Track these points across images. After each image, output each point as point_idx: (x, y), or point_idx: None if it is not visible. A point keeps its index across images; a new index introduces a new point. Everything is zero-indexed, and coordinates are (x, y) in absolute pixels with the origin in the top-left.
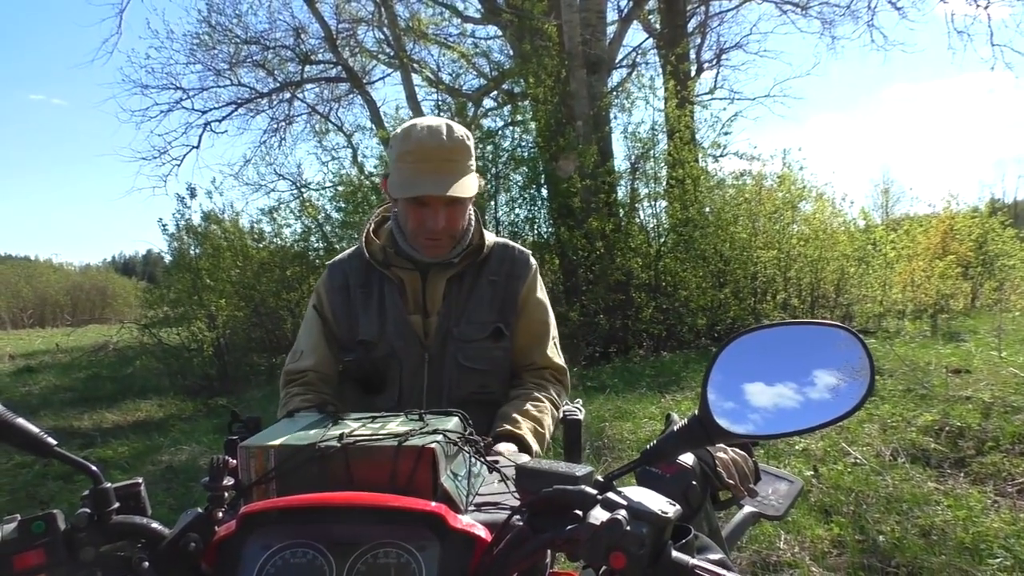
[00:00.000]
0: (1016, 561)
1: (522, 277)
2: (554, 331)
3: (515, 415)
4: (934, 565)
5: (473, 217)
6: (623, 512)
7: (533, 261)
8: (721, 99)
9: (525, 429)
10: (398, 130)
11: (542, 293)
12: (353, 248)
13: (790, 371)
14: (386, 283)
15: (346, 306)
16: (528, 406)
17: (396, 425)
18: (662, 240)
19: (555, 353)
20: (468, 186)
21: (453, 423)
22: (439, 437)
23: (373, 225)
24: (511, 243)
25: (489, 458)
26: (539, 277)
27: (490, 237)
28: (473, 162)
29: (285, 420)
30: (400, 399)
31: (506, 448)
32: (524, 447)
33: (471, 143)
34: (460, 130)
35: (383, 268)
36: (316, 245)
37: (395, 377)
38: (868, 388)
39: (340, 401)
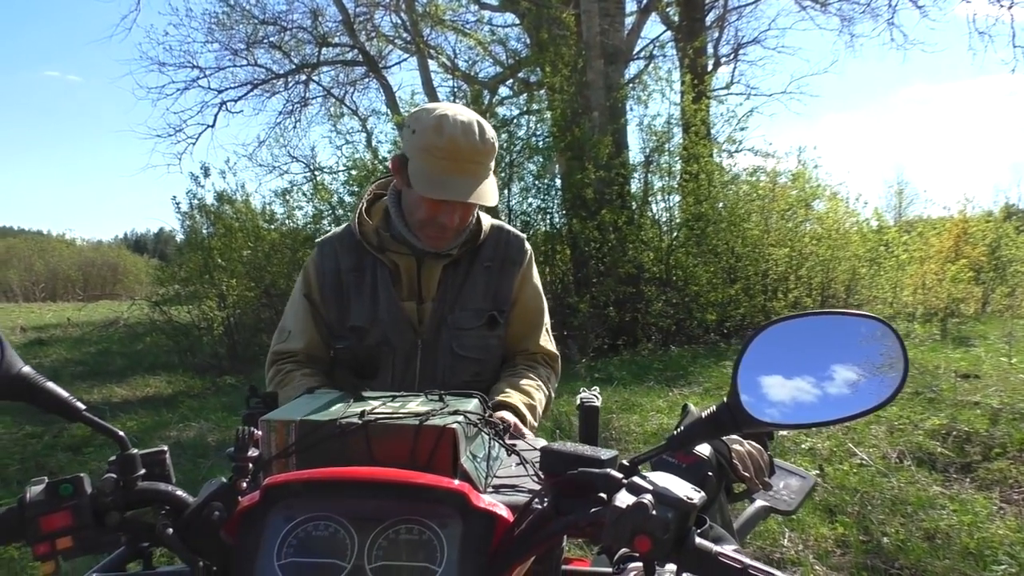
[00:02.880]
0: (1020, 568)
1: (517, 263)
2: (547, 318)
3: (507, 388)
4: (938, 569)
5: None
6: (649, 496)
7: (528, 246)
8: (737, 94)
9: (516, 398)
10: (427, 116)
11: (537, 280)
12: (343, 227)
13: (818, 363)
14: (379, 267)
15: (337, 291)
16: (518, 381)
17: (416, 405)
18: (674, 234)
19: (547, 340)
20: (492, 192)
21: (473, 405)
22: (460, 418)
23: (365, 204)
24: (505, 226)
25: (508, 441)
26: (533, 263)
27: (487, 220)
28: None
29: (305, 396)
30: (392, 387)
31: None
32: (517, 415)
33: (497, 142)
34: (491, 129)
35: (377, 252)
36: (327, 228)
37: (388, 364)
38: (902, 379)
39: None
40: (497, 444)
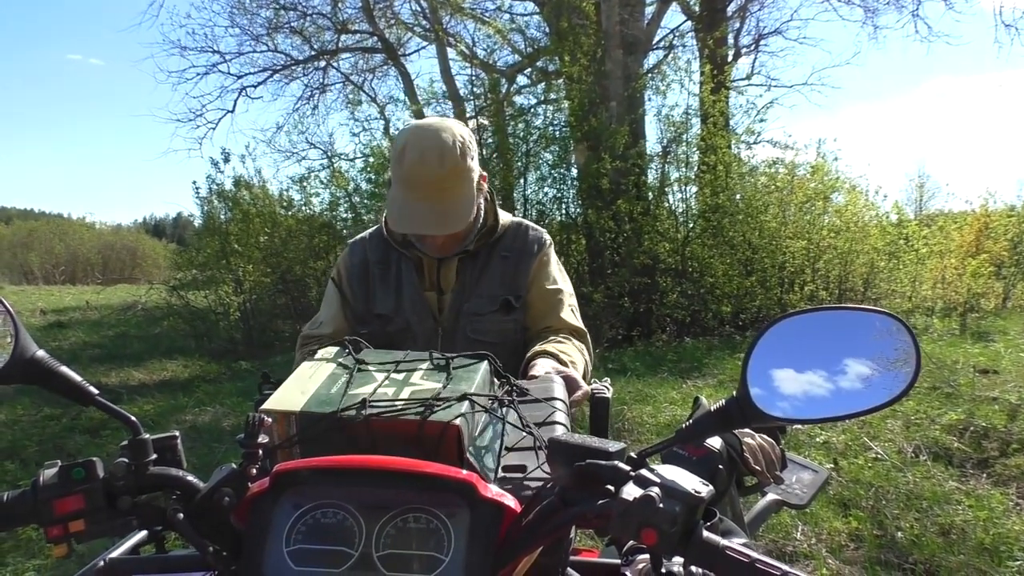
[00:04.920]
0: None
1: (535, 252)
2: (571, 299)
3: (537, 347)
4: (952, 564)
5: (485, 200)
6: (656, 489)
7: (547, 237)
8: (757, 85)
9: (550, 347)
10: (397, 141)
11: (555, 265)
12: (373, 228)
13: (831, 357)
14: (403, 261)
15: (364, 281)
16: (549, 344)
17: (420, 377)
18: (691, 225)
19: (571, 316)
20: (463, 215)
21: (482, 371)
22: (464, 407)
23: None
24: (526, 222)
25: (517, 383)
26: (552, 251)
27: (505, 217)
28: (472, 172)
29: (305, 366)
30: None
31: (544, 366)
32: (560, 362)
33: (469, 155)
34: (456, 146)
35: (401, 248)
36: (344, 215)
37: (408, 349)
38: (914, 374)
39: None
40: (505, 423)
